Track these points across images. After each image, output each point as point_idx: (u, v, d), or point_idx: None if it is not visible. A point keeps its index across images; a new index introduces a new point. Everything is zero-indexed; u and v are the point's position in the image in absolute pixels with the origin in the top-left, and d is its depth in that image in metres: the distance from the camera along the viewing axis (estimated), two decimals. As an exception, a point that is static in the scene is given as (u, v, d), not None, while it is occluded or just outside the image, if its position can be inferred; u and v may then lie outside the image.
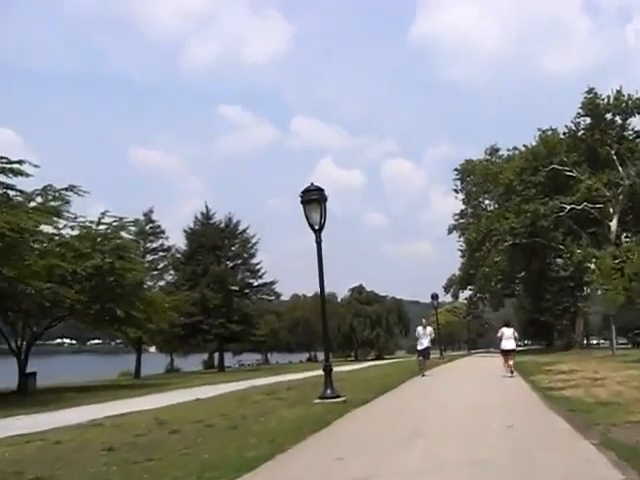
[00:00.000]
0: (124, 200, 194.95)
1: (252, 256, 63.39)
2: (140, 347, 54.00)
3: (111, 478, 7.78)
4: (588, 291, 64.91)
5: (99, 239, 32.68)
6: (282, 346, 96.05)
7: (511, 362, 25.50)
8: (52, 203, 30.05)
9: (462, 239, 75.37)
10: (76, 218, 32.21)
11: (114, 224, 34.71)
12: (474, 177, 73.76)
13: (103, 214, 34.35)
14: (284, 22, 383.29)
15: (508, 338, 26.36)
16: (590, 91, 63.51)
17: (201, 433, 11.15)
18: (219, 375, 47.88)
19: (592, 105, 63.11)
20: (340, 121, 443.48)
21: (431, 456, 8.35)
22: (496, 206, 72.95)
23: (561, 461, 7.68)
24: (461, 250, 76.88)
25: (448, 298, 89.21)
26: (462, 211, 77.09)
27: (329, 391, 16.15)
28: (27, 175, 26.71)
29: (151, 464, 8.43)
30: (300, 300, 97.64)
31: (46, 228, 29.83)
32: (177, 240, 62.31)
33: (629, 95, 62.14)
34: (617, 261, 49.49)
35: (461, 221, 76.87)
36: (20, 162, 26.27)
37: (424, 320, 30.45)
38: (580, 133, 66.29)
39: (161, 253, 58.43)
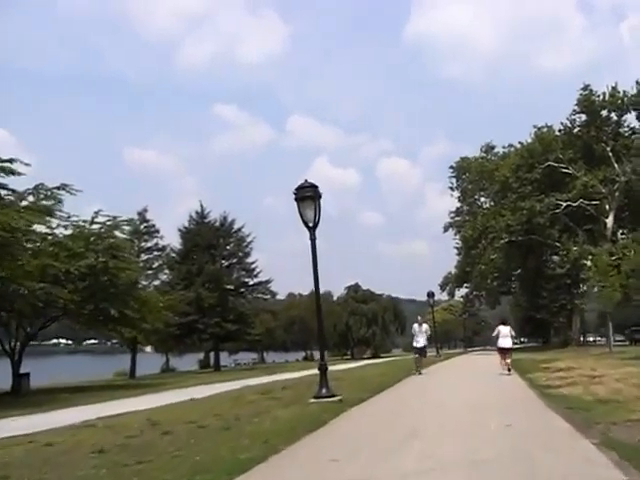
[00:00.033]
0: (120, 200, 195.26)
1: (247, 255, 63.16)
2: (135, 347, 53.86)
3: (99, 482, 7.61)
4: (584, 288, 64.78)
5: (92, 238, 32.42)
6: (278, 345, 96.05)
7: (508, 360, 25.41)
8: (44, 202, 29.82)
9: (458, 237, 75.30)
10: (69, 217, 31.99)
11: (108, 223, 34.47)
12: (470, 175, 73.66)
13: (96, 213, 34.12)
14: (280, 22, 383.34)
15: (505, 336, 26.38)
16: (585, 88, 63.48)
17: (194, 434, 11.00)
18: (215, 375, 47.65)
19: (587, 102, 63.04)
20: (335, 120, 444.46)
21: (428, 457, 8.15)
22: (492, 203, 72.91)
23: (561, 461, 7.51)
24: (457, 248, 76.84)
25: (444, 296, 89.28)
26: (458, 209, 76.89)
27: (324, 390, 15.98)
28: (19, 174, 26.52)
29: (141, 467, 8.28)
30: (296, 299, 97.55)
31: (39, 228, 29.62)
32: (173, 240, 62.23)
33: (624, 92, 62.19)
34: (613, 258, 49.50)
35: (457, 219, 76.67)
36: (11, 161, 26.07)
37: (419, 317, 30.28)
38: (576, 130, 66.22)
39: (156, 252, 58.35)
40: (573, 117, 65.88)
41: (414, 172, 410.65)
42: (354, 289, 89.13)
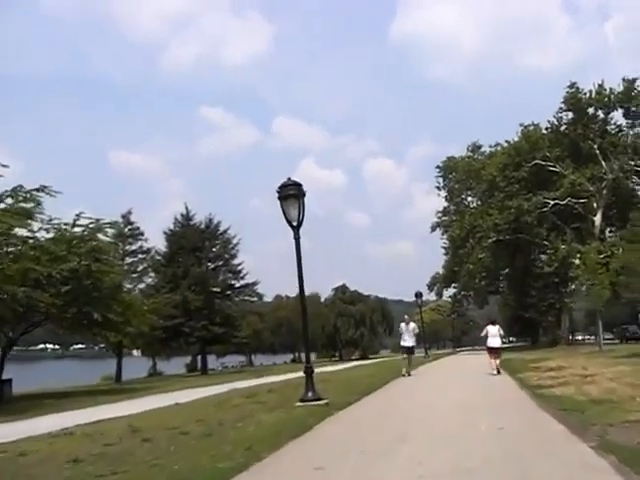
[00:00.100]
0: (105, 203, 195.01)
1: (233, 257, 62.77)
2: (120, 351, 53.34)
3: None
4: (573, 287, 64.73)
5: (75, 242, 31.89)
6: (266, 347, 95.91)
7: (497, 361, 25.22)
8: (23, 204, 29.29)
9: (445, 237, 75.42)
10: (51, 220, 31.46)
11: (90, 226, 33.92)
12: (456, 174, 73.75)
13: (78, 216, 33.43)
14: (264, 23, 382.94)
15: (494, 336, 26.36)
16: (572, 85, 63.54)
17: (174, 441, 10.60)
18: (201, 378, 47.21)
19: (574, 100, 63.08)
20: (321, 121, 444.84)
21: (417, 464, 7.73)
22: (479, 203, 73.03)
23: (558, 467, 7.16)
24: (444, 248, 77.05)
25: (432, 296, 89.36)
26: (445, 208, 76.94)
27: (310, 394, 15.59)
28: (-2, 176, 26.06)
29: (116, 477, 7.96)
30: (283, 301, 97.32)
31: (20, 231, 29.16)
32: (159, 243, 61.81)
33: (611, 89, 62.23)
34: (602, 256, 49.42)
35: (444, 219, 76.68)
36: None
37: (406, 316, 29.90)
38: (563, 128, 66.36)
39: (140, 255, 57.96)
40: (560, 115, 66.16)
41: (400, 172, 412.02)
42: (341, 290, 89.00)
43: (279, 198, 16.08)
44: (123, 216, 55.45)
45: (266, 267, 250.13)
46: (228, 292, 62.69)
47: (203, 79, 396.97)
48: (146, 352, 71.51)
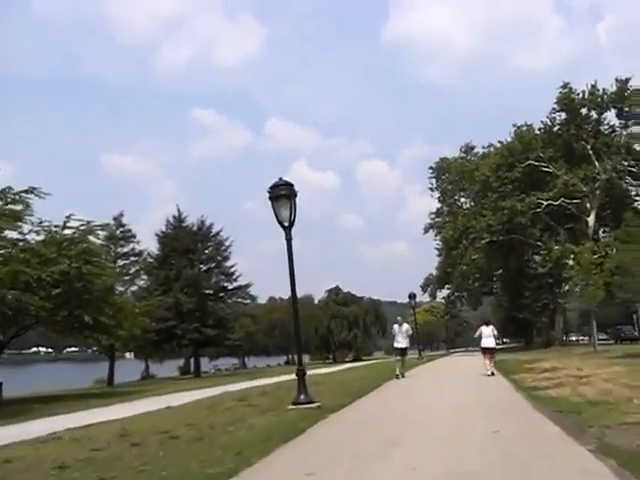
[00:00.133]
0: (98, 206, 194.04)
1: (226, 259, 62.57)
2: (113, 354, 53.04)
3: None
4: (566, 287, 64.59)
5: (65, 244, 31.65)
6: (259, 349, 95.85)
7: (491, 363, 25.11)
8: (11, 206, 29.05)
9: (438, 238, 75.25)
10: (41, 222, 31.24)
11: (81, 228, 33.68)
12: (449, 175, 73.80)
13: (68, 218, 33.23)
14: (257, 25, 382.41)
15: (487, 336, 26.37)
16: (565, 86, 63.58)
17: (164, 446, 10.38)
18: (194, 381, 47.01)
19: (567, 100, 63.10)
20: (314, 123, 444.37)
21: (411, 469, 7.52)
22: (472, 204, 73.07)
23: (555, 471, 7.00)
24: (438, 249, 77.03)
25: (426, 298, 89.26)
26: (438, 210, 76.93)
27: (302, 396, 15.39)
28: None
29: (102, 484, 7.68)
30: (277, 303, 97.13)
31: (10, 233, 28.98)
32: (152, 245, 61.54)
33: (604, 90, 62.26)
34: (596, 256, 49.38)
35: (437, 220, 76.66)
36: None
37: (399, 318, 29.69)
38: (556, 128, 66.40)
39: (132, 258, 57.67)
40: (553, 115, 66.23)
41: (393, 174, 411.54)
42: (335, 292, 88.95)
43: (270, 198, 15.87)
44: (115, 218, 55.19)
45: (260, 269, 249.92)
46: (221, 294, 62.49)
47: (195, 81, 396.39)
48: (139, 355, 71.41)
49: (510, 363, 31.58)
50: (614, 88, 61.57)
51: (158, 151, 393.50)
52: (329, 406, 15.07)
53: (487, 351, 25.74)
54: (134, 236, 57.66)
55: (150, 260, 60.00)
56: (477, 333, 27.17)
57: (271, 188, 15.87)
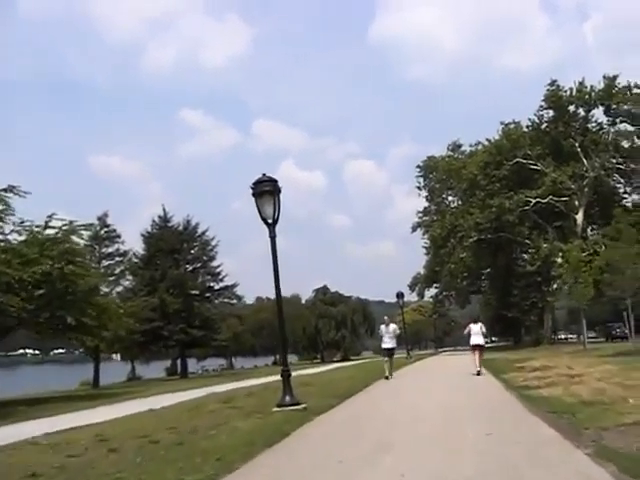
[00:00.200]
0: (86, 207, 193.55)
1: (212, 259, 62.44)
2: (98, 356, 52.53)
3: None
4: (555, 286, 64.45)
5: (47, 244, 31.20)
6: (247, 350, 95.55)
7: (480, 361, 24.86)
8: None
9: (426, 237, 75.01)
10: (23, 222, 30.81)
11: (64, 228, 33.23)
12: (437, 174, 73.60)
13: (50, 217, 32.84)
14: (243, 25, 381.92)
15: (476, 333, 26.24)
16: (552, 83, 63.63)
17: (142, 451, 9.97)
18: (181, 382, 46.66)
19: (555, 97, 63.10)
20: (301, 123, 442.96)
21: (401, 475, 7.11)
22: (460, 202, 72.86)
23: (553, 478, 6.58)
24: (425, 248, 76.71)
25: (414, 297, 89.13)
26: (425, 208, 76.68)
27: (288, 398, 14.98)
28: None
29: (72, 494, 7.26)
30: (264, 303, 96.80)
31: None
32: (139, 246, 61.13)
33: (592, 87, 62.37)
34: (585, 254, 49.30)
35: (425, 218, 76.44)
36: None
37: (386, 317, 29.40)
38: (544, 126, 66.36)
39: (117, 258, 57.15)
40: (541, 113, 66.26)
41: (381, 174, 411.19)
42: (322, 291, 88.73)
43: (254, 195, 15.47)
44: (99, 218, 54.72)
45: (247, 269, 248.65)
46: (207, 294, 62.38)
47: (182, 81, 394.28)
48: (125, 356, 70.92)
49: (499, 362, 31.46)
50: (602, 85, 61.61)
51: (146, 152, 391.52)
52: (316, 407, 14.76)
53: (477, 348, 25.51)
54: (119, 236, 57.21)
55: (135, 260, 59.68)
56: (466, 330, 26.97)
57: (254, 184, 15.47)
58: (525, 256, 70.45)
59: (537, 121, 66.56)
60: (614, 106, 61.28)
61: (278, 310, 16.77)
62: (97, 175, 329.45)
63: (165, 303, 55.46)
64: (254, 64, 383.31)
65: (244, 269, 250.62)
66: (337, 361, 74.86)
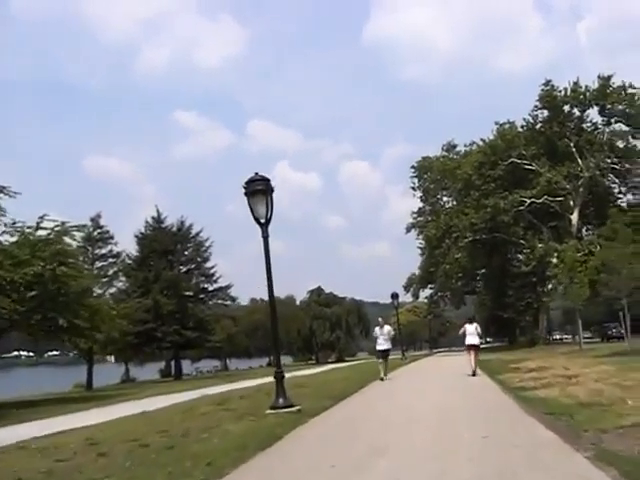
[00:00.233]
0: (80, 209, 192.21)
1: (206, 260, 62.36)
2: (91, 357, 52.31)
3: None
4: (550, 286, 64.35)
5: (39, 245, 30.97)
6: (241, 351, 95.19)
7: (475, 361, 24.71)
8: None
9: (421, 237, 74.84)
10: (14, 223, 30.60)
11: (56, 229, 33.01)
12: (432, 174, 73.40)
13: (41, 218, 32.64)
14: (237, 26, 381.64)
15: (471, 334, 26.13)
16: (547, 83, 63.40)
17: (132, 455, 9.78)
18: (174, 384, 46.44)
19: (550, 97, 62.92)
20: (296, 124, 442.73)
21: (395, 481, 6.93)
22: (455, 202, 72.67)
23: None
24: (420, 248, 76.54)
25: (408, 298, 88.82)
26: (420, 209, 76.52)
27: (281, 400, 14.76)
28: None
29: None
30: (258, 304, 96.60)
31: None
32: (133, 248, 60.86)
33: (586, 87, 62.03)
34: (580, 254, 49.21)
35: (419, 219, 76.30)
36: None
37: (380, 319, 29.30)
38: (538, 126, 66.12)
39: (111, 259, 56.98)
40: (535, 113, 65.96)
41: (375, 175, 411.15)
42: (317, 293, 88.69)
43: (246, 194, 15.25)
44: (92, 219, 54.65)
45: (242, 270, 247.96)
46: (201, 296, 62.31)
47: (177, 82, 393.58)
48: (119, 358, 70.67)
49: (495, 363, 31.37)
50: (596, 85, 61.38)
51: (140, 153, 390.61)
52: (310, 409, 14.60)
53: (472, 347, 25.38)
54: (112, 237, 57.11)
55: (129, 262, 59.46)
56: (461, 330, 26.86)
57: (247, 183, 15.25)
58: (520, 256, 70.49)
59: (532, 121, 66.34)
60: (609, 106, 61.09)
61: (271, 311, 16.55)
62: (91, 176, 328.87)
63: (159, 304, 55.29)
64: (248, 65, 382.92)
65: (238, 270, 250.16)
66: (332, 362, 74.83)
